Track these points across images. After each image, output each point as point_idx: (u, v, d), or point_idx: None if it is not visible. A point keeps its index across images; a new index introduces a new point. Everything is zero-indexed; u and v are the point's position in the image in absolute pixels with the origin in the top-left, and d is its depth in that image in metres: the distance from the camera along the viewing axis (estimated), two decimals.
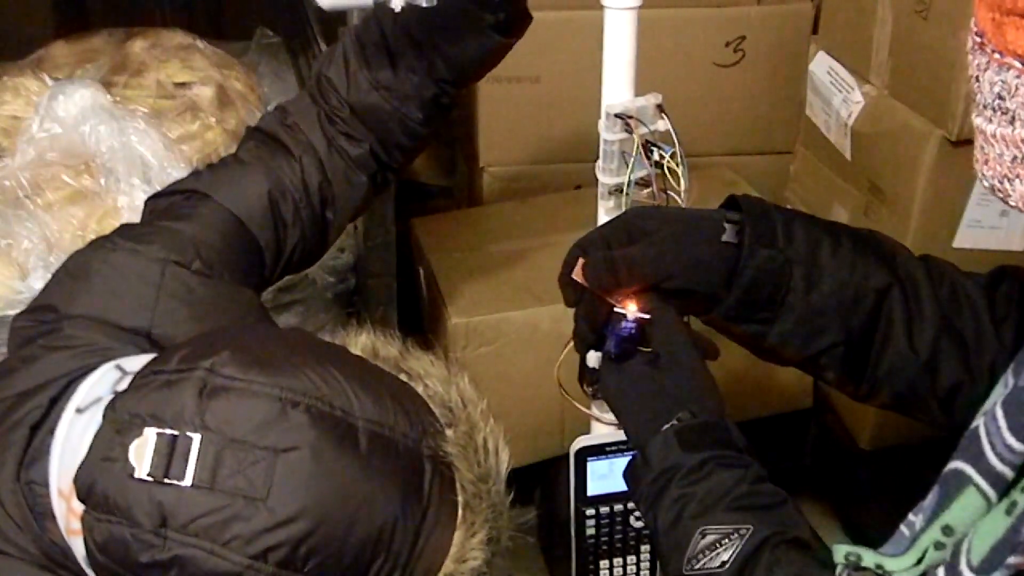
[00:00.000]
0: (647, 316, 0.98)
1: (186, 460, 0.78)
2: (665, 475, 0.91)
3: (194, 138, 1.63)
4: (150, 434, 0.79)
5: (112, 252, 1.08)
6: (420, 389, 0.90)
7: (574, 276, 1.01)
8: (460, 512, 0.87)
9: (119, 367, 0.92)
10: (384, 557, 0.82)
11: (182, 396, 0.81)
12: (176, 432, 0.79)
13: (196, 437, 0.79)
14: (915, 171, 1.71)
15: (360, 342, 0.93)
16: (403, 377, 0.91)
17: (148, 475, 0.78)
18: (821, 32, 2.01)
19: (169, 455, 0.79)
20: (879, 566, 0.82)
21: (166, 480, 0.78)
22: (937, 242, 1.70)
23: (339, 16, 1.63)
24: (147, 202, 1.20)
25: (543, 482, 1.85)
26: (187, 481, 0.78)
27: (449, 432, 0.87)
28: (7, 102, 1.64)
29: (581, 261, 1.01)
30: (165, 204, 1.17)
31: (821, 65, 1.97)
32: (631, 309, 0.99)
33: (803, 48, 2.02)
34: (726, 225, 0.99)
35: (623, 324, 0.98)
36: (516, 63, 1.93)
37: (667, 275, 0.98)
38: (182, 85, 1.69)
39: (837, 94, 1.91)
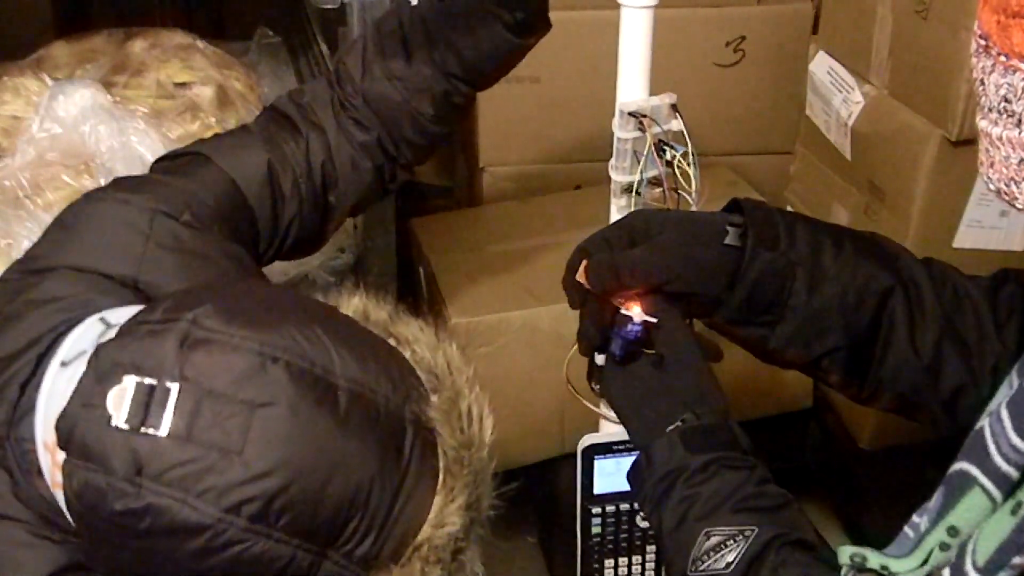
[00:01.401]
0: (652, 319, 0.98)
1: (163, 410, 0.78)
2: (669, 476, 0.91)
3: (194, 138, 1.62)
4: (129, 382, 0.79)
5: (101, 202, 1.09)
6: (408, 354, 0.90)
7: (578, 279, 1.01)
8: (440, 477, 0.86)
9: (103, 320, 0.93)
10: (360, 517, 0.82)
11: (163, 346, 0.80)
12: (155, 382, 0.79)
13: (174, 387, 0.78)
14: (915, 171, 1.71)
15: (352, 304, 0.93)
16: (392, 341, 0.91)
17: (125, 423, 0.78)
18: (821, 32, 2.01)
19: (147, 404, 0.78)
20: (884, 567, 0.82)
21: (143, 429, 0.78)
22: (937, 242, 1.70)
23: (339, 17, 1.63)
24: (152, 164, 1.21)
25: (544, 482, 1.85)
26: (163, 431, 0.77)
27: (434, 398, 0.87)
28: (7, 102, 1.63)
29: (584, 263, 1.01)
30: (167, 164, 1.19)
31: (821, 65, 1.97)
32: (636, 311, 0.99)
33: (803, 48, 2.02)
34: (729, 228, 0.99)
35: (628, 327, 0.98)
36: None
37: (669, 278, 0.98)
38: (182, 85, 1.69)
39: (837, 94, 1.91)
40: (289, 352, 0.81)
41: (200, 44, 1.76)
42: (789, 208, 2.03)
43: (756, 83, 2.03)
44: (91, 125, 1.53)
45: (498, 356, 1.71)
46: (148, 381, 0.79)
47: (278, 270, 1.55)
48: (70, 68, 1.73)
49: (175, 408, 0.78)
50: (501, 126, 2.01)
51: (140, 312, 0.86)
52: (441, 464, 0.87)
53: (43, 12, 2.10)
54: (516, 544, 1.96)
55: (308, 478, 0.79)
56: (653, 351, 0.98)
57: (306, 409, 0.80)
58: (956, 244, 1.72)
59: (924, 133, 1.69)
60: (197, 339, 0.81)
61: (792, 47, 2.02)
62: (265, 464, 0.78)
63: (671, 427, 0.93)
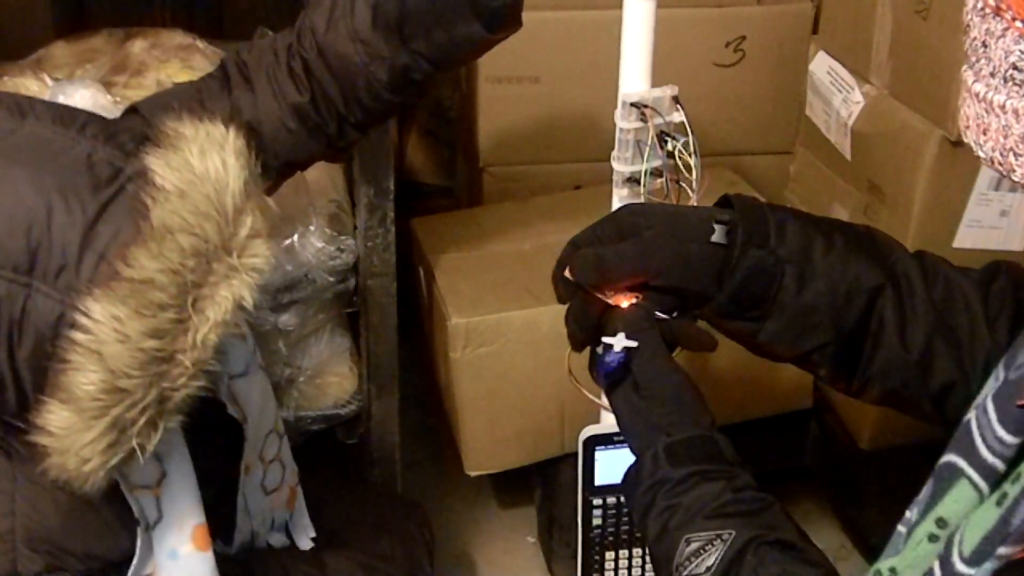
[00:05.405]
0: (634, 345, 0.98)
1: None
2: (652, 489, 0.93)
3: None
4: None
5: None
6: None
7: (566, 273, 1.01)
8: (153, 211, 0.91)
9: None
10: (48, 248, 0.88)
11: None
12: None
13: None
14: (915, 171, 1.70)
15: None
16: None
17: None
18: (821, 32, 2.01)
19: None
20: (892, 570, 0.82)
21: None
22: (937, 242, 1.69)
23: None
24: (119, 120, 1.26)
25: (543, 482, 1.85)
26: None
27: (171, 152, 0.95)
28: None
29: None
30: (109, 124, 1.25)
31: (821, 65, 1.97)
32: (620, 338, 0.98)
33: (803, 48, 2.02)
34: (715, 226, 0.99)
35: (609, 358, 0.98)
36: (516, 63, 1.94)
37: (654, 273, 0.99)
38: None
39: (837, 94, 1.91)
40: None
41: (200, 44, 1.76)
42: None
43: (756, 83, 2.03)
44: None
45: (498, 356, 1.71)
46: None
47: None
48: (70, 68, 1.73)
49: None
50: (501, 126, 2.01)
51: None
52: (153, 198, 0.92)
53: (43, 12, 2.10)
54: (516, 544, 1.96)
55: None
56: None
57: None
58: (956, 244, 1.72)
59: (924, 133, 1.69)
60: None
61: (792, 47, 2.02)
62: None
63: (653, 446, 0.94)
